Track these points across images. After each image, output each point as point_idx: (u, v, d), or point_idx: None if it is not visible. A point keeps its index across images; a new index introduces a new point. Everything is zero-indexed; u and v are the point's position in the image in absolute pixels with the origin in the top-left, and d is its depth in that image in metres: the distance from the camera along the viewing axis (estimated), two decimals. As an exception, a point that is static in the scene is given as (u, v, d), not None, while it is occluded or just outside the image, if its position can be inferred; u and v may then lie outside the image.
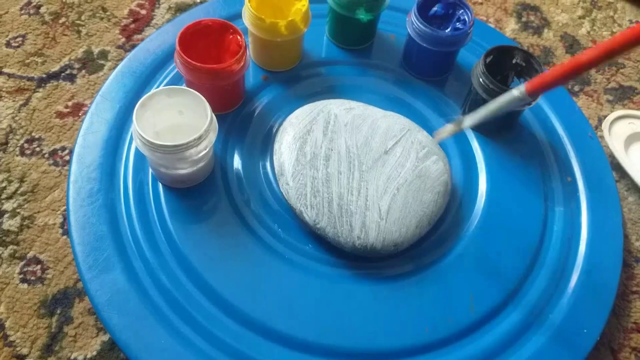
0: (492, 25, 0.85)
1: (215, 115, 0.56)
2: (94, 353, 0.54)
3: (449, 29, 0.69)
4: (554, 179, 0.66)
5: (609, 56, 0.40)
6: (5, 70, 0.70)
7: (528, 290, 0.58)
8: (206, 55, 0.61)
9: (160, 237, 0.57)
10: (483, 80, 0.63)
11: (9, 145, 0.64)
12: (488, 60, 0.65)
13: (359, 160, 0.59)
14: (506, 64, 0.67)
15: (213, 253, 0.56)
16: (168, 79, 0.69)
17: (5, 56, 0.72)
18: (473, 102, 0.67)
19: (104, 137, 0.62)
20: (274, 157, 0.61)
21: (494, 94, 0.63)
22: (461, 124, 0.56)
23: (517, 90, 0.49)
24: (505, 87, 0.62)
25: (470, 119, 0.55)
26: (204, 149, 0.55)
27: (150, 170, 0.60)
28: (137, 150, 0.61)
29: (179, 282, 0.55)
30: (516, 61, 0.66)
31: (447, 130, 0.58)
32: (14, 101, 0.68)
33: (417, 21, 0.67)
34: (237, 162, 0.64)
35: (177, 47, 0.59)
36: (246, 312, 0.54)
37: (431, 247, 0.59)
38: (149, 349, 0.51)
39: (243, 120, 0.67)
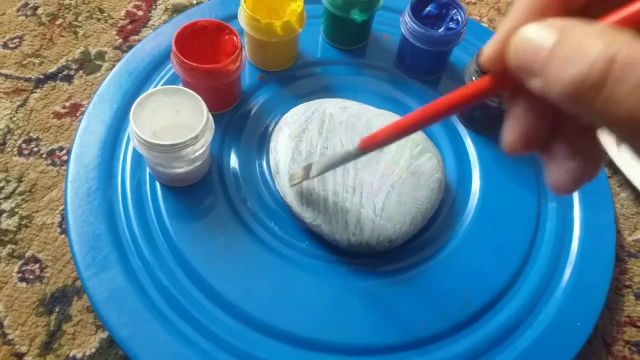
0: (486, 25, 0.86)
1: (212, 115, 0.57)
2: (93, 350, 0.54)
3: (442, 29, 0.70)
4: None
5: (443, 115, 0.34)
6: (3, 71, 0.71)
7: (522, 285, 0.59)
8: (202, 55, 0.62)
9: (158, 236, 0.58)
10: (476, 79, 0.64)
11: (6, 145, 0.65)
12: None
13: (354, 158, 0.60)
14: (499, 62, 0.68)
15: (210, 251, 0.57)
16: (165, 79, 0.69)
17: (2, 57, 0.72)
18: (466, 101, 0.68)
19: (102, 137, 0.63)
20: (270, 156, 0.62)
21: (486, 92, 0.63)
22: (309, 171, 0.54)
23: (352, 147, 0.46)
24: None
25: (316, 169, 0.53)
26: (200, 148, 0.56)
27: (148, 170, 0.61)
28: (134, 149, 0.62)
29: (176, 280, 0.55)
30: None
31: (298, 176, 0.56)
32: (11, 102, 0.68)
33: (410, 21, 0.67)
34: (233, 161, 0.64)
35: (174, 48, 0.59)
36: (243, 309, 0.54)
37: (425, 244, 0.60)
38: (147, 345, 0.51)
39: (239, 120, 0.67)
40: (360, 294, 0.56)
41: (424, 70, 0.73)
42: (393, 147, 0.61)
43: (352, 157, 0.48)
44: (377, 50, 0.76)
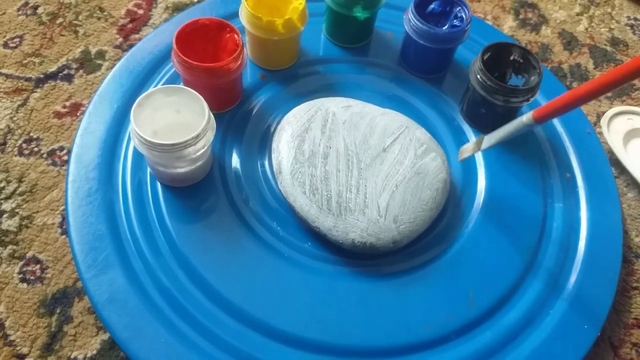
0: (490, 23, 0.85)
1: (213, 114, 0.56)
2: (94, 352, 0.54)
3: (446, 27, 0.69)
4: (553, 176, 0.66)
5: (616, 85, 0.41)
6: (3, 70, 0.70)
7: (528, 286, 0.58)
8: (203, 54, 0.61)
9: (159, 236, 0.57)
10: (480, 77, 0.63)
11: (7, 145, 0.64)
12: (486, 57, 0.65)
13: (358, 157, 0.59)
14: (504, 60, 0.67)
15: (212, 251, 0.56)
16: (165, 78, 0.69)
17: (2, 57, 0.72)
18: (471, 99, 0.67)
19: (102, 137, 0.62)
20: (272, 156, 0.61)
21: (491, 91, 0.63)
22: (480, 144, 0.58)
23: (526, 117, 0.52)
24: (502, 83, 0.62)
25: (488, 141, 0.57)
26: (201, 148, 0.55)
27: (149, 170, 0.60)
28: (135, 149, 0.61)
29: (178, 281, 0.55)
30: (514, 58, 0.66)
31: (468, 149, 0.61)
32: (11, 102, 0.68)
33: (414, 18, 0.67)
34: (235, 161, 0.63)
35: (174, 46, 0.59)
36: (245, 310, 0.54)
37: (430, 244, 0.59)
38: (148, 347, 0.51)
39: (241, 119, 0.67)
40: (363, 295, 0.55)
41: (428, 68, 0.72)
42: (397, 147, 0.60)
43: (525, 128, 0.51)
44: (380, 48, 0.76)
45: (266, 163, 0.64)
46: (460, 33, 0.67)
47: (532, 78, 0.65)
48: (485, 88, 0.63)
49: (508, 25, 0.86)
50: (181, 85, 0.57)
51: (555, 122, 0.71)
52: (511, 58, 0.66)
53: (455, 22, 0.69)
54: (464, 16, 0.68)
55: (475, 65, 0.65)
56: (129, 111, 0.59)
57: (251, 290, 0.55)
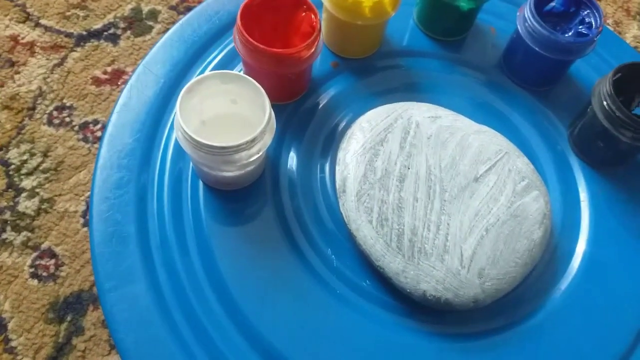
0: (611, 28, 0.71)
1: (272, 106, 0.46)
2: (103, 375, 0.46)
3: (570, 33, 0.56)
4: (674, 235, 0.54)
5: None
6: (42, 21, 0.62)
7: (629, 372, 0.47)
8: (272, 34, 0.51)
9: (192, 245, 0.49)
10: (608, 104, 0.51)
11: (36, 111, 0.56)
12: (615, 77, 0.52)
13: (442, 186, 0.48)
14: (635, 84, 0.54)
15: (252, 274, 0.48)
16: (223, 53, 0.59)
17: (44, 5, 0.63)
18: (587, 127, 0.55)
19: (142, 118, 0.53)
20: (337, 168, 0.51)
21: (618, 124, 0.50)
22: None
23: None
24: (633, 115, 0.50)
25: None
26: (256, 153, 0.45)
27: (192, 164, 0.51)
28: (177, 140, 0.52)
29: (208, 307, 0.46)
30: (649, 82, 0.53)
31: None
32: (47, 59, 0.59)
33: (532, 18, 0.54)
34: (291, 163, 0.54)
35: (239, 22, 0.49)
36: (283, 354, 0.45)
37: (514, 305, 0.49)
38: (165, 385, 0.43)
39: (304, 114, 0.57)
40: (427, 357, 0.46)
41: (536, 80, 0.60)
42: (492, 178, 0.49)
43: None
44: (479, 46, 0.64)
45: (327, 172, 0.54)
46: (586, 44, 0.54)
47: (671, 112, 0.52)
48: (610, 118, 0.51)
49: (632, 34, 0.71)
50: (241, 73, 0.47)
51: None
52: (646, 82, 0.53)
53: (581, 29, 0.56)
54: (593, 22, 0.55)
55: (601, 87, 0.52)
56: (176, 89, 0.50)
57: (291, 329, 0.46)
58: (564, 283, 0.50)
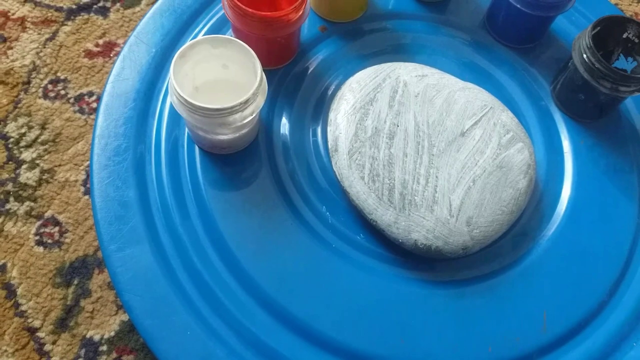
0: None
1: (263, 71, 0.47)
2: (112, 334, 0.48)
3: (550, -11, 0.57)
4: (653, 181, 0.56)
5: None
6: (32, -4, 0.62)
7: (612, 311, 0.50)
8: (260, -1, 0.52)
9: (193, 208, 0.50)
10: (587, 56, 0.52)
11: (31, 85, 0.57)
12: (594, 31, 0.54)
13: (430, 141, 0.50)
14: (614, 38, 0.56)
15: (251, 232, 0.50)
16: (213, 21, 0.60)
17: (32, -20, 0.63)
18: (568, 81, 0.56)
19: (136, 86, 0.55)
20: (328, 129, 0.53)
21: (597, 75, 0.52)
22: None
23: None
24: (616, 68, 0.51)
25: None
26: (249, 115, 0.47)
27: (187, 130, 0.53)
28: (172, 105, 0.53)
29: (210, 264, 0.48)
30: (628, 36, 0.55)
31: None
32: (39, 34, 0.60)
33: (513, -25, 0.55)
34: (284, 127, 0.55)
35: (227, -13, 0.49)
36: (282, 305, 0.47)
37: (502, 251, 0.51)
38: (172, 338, 0.45)
39: (295, 78, 0.58)
40: (419, 303, 0.48)
41: (518, 37, 0.61)
42: (478, 132, 0.51)
43: None
44: (463, 6, 0.65)
45: (319, 134, 0.55)
46: (566, 0, 0.55)
47: (649, 63, 0.54)
48: (590, 71, 0.53)
49: (613, -9, 0.73)
50: (231, 37, 0.48)
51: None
52: (624, 36, 0.55)
53: (562, -16, 0.57)
54: (572, -22, 0.56)
55: (581, 41, 0.54)
56: (169, 58, 0.51)
57: (290, 282, 0.48)
58: (550, 229, 0.53)
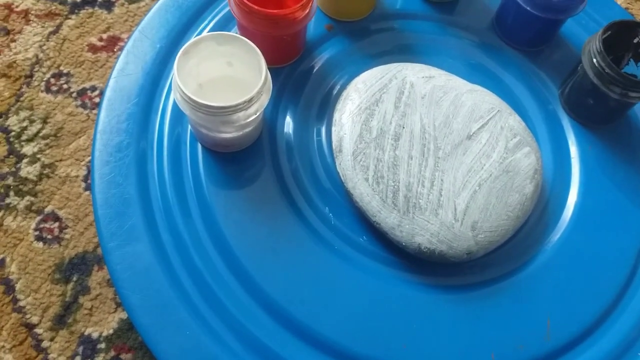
0: (604, -10, 0.71)
1: (269, 69, 0.47)
2: (111, 331, 0.48)
3: (561, -9, 0.56)
4: (661, 188, 0.55)
5: None
6: (36, -11, 0.62)
7: (616, 320, 0.49)
8: (266, -4, 0.51)
9: (194, 207, 0.50)
10: (597, 61, 0.52)
11: (33, 78, 0.57)
12: (605, 36, 0.53)
13: (436, 144, 0.49)
14: (624, 43, 0.55)
15: (252, 232, 0.49)
16: (219, 17, 0.59)
17: (36, -28, 0.63)
18: (577, 85, 0.56)
19: (140, 82, 0.54)
20: (333, 129, 0.52)
21: (607, 80, 0.51)
22: None
23: None
24: (626, 74, 0.51)
25: None
26: (253, 113, 0.46)
27: (190, 128, 0.52)
28: (176, 102, 0.53)
29: (211, 263, 0.48)
30: (638, 41, 0.54)
31: None
32: (42, 27, 0.59)
33: (523, -23, 0.54)
34: (288, 126, 0.55)
35: (233, -16, 0.49)
36: (283, 306, 0.47)
37: (506, 257, 0.50)
38: (170, 337, 0.45)
39: (300, 77, 0.57)
40: (422, 308, 0.47)
41: (527, 40, 0.60)
42: (485, 135, 0.50)
43: None
44: (471, 7, 0.64)
45: (324, 133, 0.55)
46: (576, 3, 0.55)
47: (659, 68, 0.53)
48: (599, 75, 0.52)
49: (623, -6, 0.72)
50: (236, 34, 0.48)
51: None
52: (635, 41, 0.54)
53: (573, -13, 0.56)
54: (583, -19, 0.56)
55: (591, 45, 0.53)
56: (173, 54, 0.50)
57: (292, 284, 0.47)
58: (555, 235, 0.52)
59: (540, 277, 0.50)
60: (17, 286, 0.48)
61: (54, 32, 0.59)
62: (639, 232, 0.53)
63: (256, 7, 0.48)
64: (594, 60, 0.52)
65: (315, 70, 0.58)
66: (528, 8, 0.56)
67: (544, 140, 0.56)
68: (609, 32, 0.53)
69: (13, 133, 0.54)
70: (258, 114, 0.47)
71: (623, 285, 0.50)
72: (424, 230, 0.46)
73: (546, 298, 0.49)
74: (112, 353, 0.47)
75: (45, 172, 0.52)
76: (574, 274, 0.50)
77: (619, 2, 0.70)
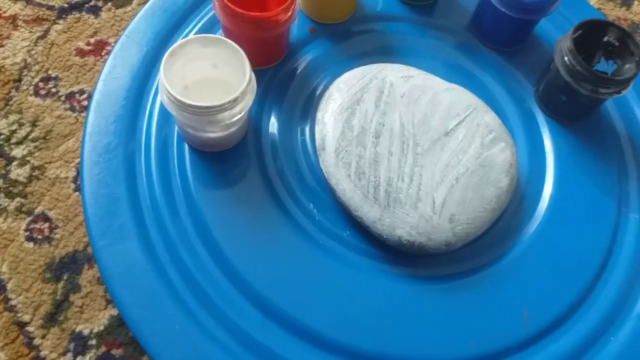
0: (578, -8, 0.74)
1: (253, 71, 0.49)
2: (101, 328, 0.49)
3: (534, -7, 0.59)
4: (631, 181, 0.58)
5: None
6: (24, -5, 0.63)
7: (590, 306, 0.51)
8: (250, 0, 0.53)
9: (182, 205, 0.51)
10: (569, 59, 0.54)
11: (22, 82, 0.58)
12: (575, 35, 0.55)
13: (414, 140, 0.51)
14: (595, 41, 0.57)
15: (239, 229, 0.50)
16: (204, 21, 0.61)
17: (24, -21, 0.64)
18: (550, 82, 0.58)
19: (127, 85, 0.55)
20: (316, 128, 0.54)
21: (579, 77, 0.54)
22: None
23: None
24: (597, 71, 0.53)
25: None
26: (238, 113, 0.48)
27: (177, 128, 0.53)
28: (162, 104, 0.54)
29: (199, 259, 0.49)
30: (608, 39, 0.56)
31: None
32: (30, 32, 0.60)
33: (497, -20, 0.57)
34: (272, 127, 0.56)
35: (217, -12, 0.50)
36: (270, 300, 0.48)
37: (484, 248, 0.52)
38: (160, 332, 0.46)
39: (283, 78, 0.59)
40: (404, 298, 0.49)
41: (503, 40, 0.63)
42: (461, 132, 0.52)
43: None
44: (449, 9, 0.66)
45: (307, 133, 0.56)
46: (549, 4, 0.57)
47: (628, 66, 0.55)
48: (571, 73, 0.54)
49: (596, -5, 0.74)
50: (221, 36, 0.49)
51: (641, 117, 0.62)
52: (605, 39, 0.57)
53: (545, -11, 0.58)
54: (555, -18, 0.58)
55: (562, 44, 0.55)
56: (159, 57, 0.52)
57: (278, 278, 0.49)
58: (531, 227, 0.54)
59: (517, 267, 0.52)
60: (9, 286, 0.49)
61: (42, 37, 0.60)
62: (611, 222, 0.55)
63: (240, 10, 0.50)
64: (565, 58, 0.54)
65: (298, 71, 0.60)
66: (503, 9, 0.58)
67: (520, 136, 0.58)
68: (580, 31, 0.56)
69: (2, 136, 0.55)
70: (243, 113, 0.48)
71: (596, 274, 0.52)
72: (404, 223, 0.48)
73: (523, 287, 0.51)
74: (103, 349, 0.48)
75: (35, 174, 0.54)
76: (549, 263, 0.52)
77: (591, 3, 0.72)
